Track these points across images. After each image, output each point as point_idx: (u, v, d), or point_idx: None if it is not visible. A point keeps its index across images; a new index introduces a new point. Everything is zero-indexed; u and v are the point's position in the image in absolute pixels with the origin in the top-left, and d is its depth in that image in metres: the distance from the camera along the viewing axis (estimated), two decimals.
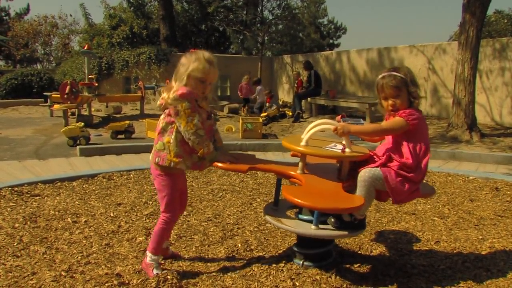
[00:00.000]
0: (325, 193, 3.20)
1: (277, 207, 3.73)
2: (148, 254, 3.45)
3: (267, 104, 16.57)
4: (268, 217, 3.58)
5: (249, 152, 9.55)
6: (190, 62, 3.31)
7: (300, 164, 3.51)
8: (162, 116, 3.39)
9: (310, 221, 3.40)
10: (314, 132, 3.46)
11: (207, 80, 3.35)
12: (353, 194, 3.24)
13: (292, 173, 3.51)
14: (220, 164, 3.53)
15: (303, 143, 3.43)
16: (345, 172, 3.46)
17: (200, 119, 3.30)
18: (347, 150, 3.33)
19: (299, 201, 3.05)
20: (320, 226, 3.34)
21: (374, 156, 3.43)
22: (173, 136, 3.30)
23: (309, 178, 3.41)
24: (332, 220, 3.38)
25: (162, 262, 3.65)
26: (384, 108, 3.43)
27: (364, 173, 3.25)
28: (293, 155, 3.89)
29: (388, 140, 3.42)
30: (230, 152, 3.73)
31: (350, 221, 3.38)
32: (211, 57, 3.38)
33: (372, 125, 3.44)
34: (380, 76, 3.46)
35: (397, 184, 3.22)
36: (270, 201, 4.57)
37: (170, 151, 3.31)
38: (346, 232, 3.40)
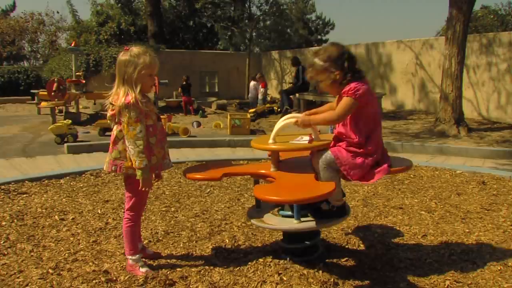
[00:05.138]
0: (297, 185, 3.23)
1: (260, 209, 3.74)
2: (128, 257, 3.45)
3: (262, 89, 16.54)
4: (253, 221, 3.60)
5: (237, 148, 9.58)
6: (135, 60, 3.24)
7: (272, 161, 3.54)
8: (114, 126, 3.35)
9: (292, 216, 3.41)
10: (279, 129, 3.48)
11: (154, 72, 3.34)
12: (325, 182, 3.24)
13: (263, 171, 3.58)
14: (192, 175, 3.58)
15: (270, 140, 3.46)
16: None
17: (151, 121, 3.32)
18: (314, 139, 3.37)
19: (269, 197, 3.09)
20: (303, 219, 3.35)
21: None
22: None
23: (281, 174, 3.44)
24: (311, 212, 3.40)
25: (146, 261, 3.63)
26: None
27: (319, 160, 3.28)
28: (270, 155, 3.92)
29: None
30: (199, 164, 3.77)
31: (328, 209, 3.40)
32: (149, 49, 3.37)
33: (327, 114, 3.39)
34: None
35: (348, 160, 3.22)
36: None
37: (126, 158, 3.29)
38: (329, 221, 3.42)
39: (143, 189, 3.27)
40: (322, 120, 3.38)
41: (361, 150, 3.24)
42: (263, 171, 3.60)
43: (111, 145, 3.35)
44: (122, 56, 3.30)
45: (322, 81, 3.35)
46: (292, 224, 3.34)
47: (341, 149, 3.27)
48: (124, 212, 3.50)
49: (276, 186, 3.30)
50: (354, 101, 3.19)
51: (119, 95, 3.25)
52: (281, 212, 3.54)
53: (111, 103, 3.31)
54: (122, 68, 3.28)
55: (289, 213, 3.46)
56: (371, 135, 3.27)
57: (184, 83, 15.81)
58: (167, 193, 5.69)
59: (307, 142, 3.41)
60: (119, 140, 3.31)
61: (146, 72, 3.27)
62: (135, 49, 3.31)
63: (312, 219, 3.40)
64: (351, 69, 3.28)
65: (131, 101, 3.18)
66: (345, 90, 3.22)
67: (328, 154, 3.27)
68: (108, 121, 3.40)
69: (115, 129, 3.33)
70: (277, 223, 3.47)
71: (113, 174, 5.95)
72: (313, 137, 3.43)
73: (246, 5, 25.38)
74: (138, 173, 3.22)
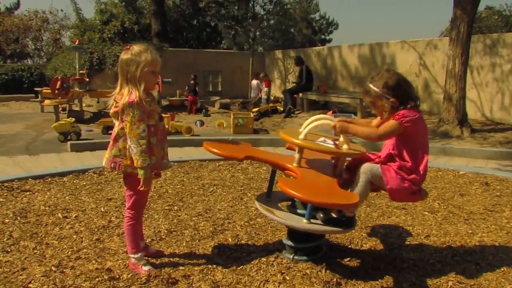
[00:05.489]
0: (321, 187, 3.21)
1: (270, 199, 3.73)
2: (130, 255, 3.46)
3: (266, 89, 16.53)
4: (259, 206, 3.58)
5: None
6: (137, 58, 3.25)
7: (297, 157, 3.52)
8: (117, 123, 3.35)
9: (302, 215, 3.41)
10: (313, 127, 3.47)
11: (156, 70, 3.35)
12: (348, 191, 3.24)
13: (289, 165, 3.52)
14: (215, 150, 3.54)
15: (301, 136, 3.44)
16: (341, 168, 3.47)
17: (153, 121, 3.32)
18: (345, 147, 3.34)
19: (296, 193, 3.01)
20: (312, 220, 3.34)
21: (371, 156, 3.45)
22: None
23: (305, 172, 3.42)
24: (321, 215, 3.39)
25: (148, 259, 3.63)
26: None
27: (365, 167, 3.29)
28: (288, 148, 3.90)
29: (390, 140, 3.42)
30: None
31: (337, 218, 3.40)
32: (150, 47, 3.38)
33: (369, 129, 3.41)
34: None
35: (396, 182, 3.24)
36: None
37: (126, 156, 3.30)
38: (339, 228, 3.41)
39: (142, 188, 3.27)
40: (361, 133, 3.38)
41: (412, 176, 3.26)
42: (286, 164, 3.55)
43: (111, 142, 3.36)
44: (124, 55, 3.31)
45: (378, 107, 3.38)
46: (301, 223, 3.34)
47: (391, 169, 3.28)
48: (125, 210, 3.50)
49: (302, 183, 3.25)
50: (399, 127, 3.23)
51: (123, 94, 3.25)
52: (292, 209, 3.53)
53: (114, 100, 3.31)
54: (125, 67, 3.28)
55: (299, 211, 3.46)
56: (421, 163, 3.31)
57: (192, 82, 15.79)
58: (170, 191, 5.69)
59: (330, 145, 3.38)
60: (120, 137, 3.31)
61: (148, 69, 3.27)
62: (136, 48, 3.31)
63: (320, 222, 3.39)
64: (407, 97, 3.31)
65: (135, 100, 3.18)
66: (395, 114, 3.26)
67: (376, 167, 3.29)
68: (112, 117, 3.40)
69: (117, 127, 3.34)
70: (286, 218, 3.45)
71: (115, 172, 5.98)
72: (337, 143, 3.41)
73: (250, 4, 25.32)
74: (140, 172, 3.23)
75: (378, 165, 3.31)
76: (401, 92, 3.29)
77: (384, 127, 3.30)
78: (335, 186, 3.24)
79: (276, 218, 3.47)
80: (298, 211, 3.51)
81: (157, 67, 3.34)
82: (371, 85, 3.35)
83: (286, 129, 3.71)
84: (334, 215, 3.41)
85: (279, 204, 3.70)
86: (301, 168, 3.48)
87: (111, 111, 3.35)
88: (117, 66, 3.39)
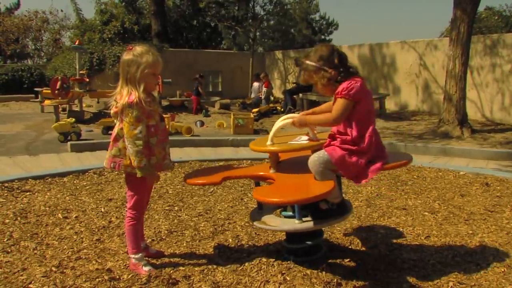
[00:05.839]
0: (296, 186, 3.24)
1: (262, 210, 3.74)
2: (131, 256, 3.45)
3: (265, 89, 16.52)
4: (255, 223, 3.60)
5: (240, 148, 9.58)
6: (138, 59, 3.26)
7: (271, 162, 3.56)
8: (117, 123, 3.35)
9: (294, 217, 3.41)
10: (276, 130, 3.51)
11: (157, 72, 3.35)
12: (323, 181, 3.22)
13: (262, 173, 3.59)
14: (193, 180, 3.61)
15: (268, 142, 3.48)
16: None
17: (153, 121, 3.33)
18: (304, 138, 3.42)
19: (270, 199, 3.11)
20: (304, 219, 3.35)
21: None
22: None
23: (280, 176, 3.45)
24: (310, 212, 3.40)
25: (149, 260, 3.63)
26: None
27: (312, 160, 3.25)
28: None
29: None
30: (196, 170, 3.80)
31: (328, 208, 3.40)
32: (152, 48, 3.38)
33: (323, 116, 3.38)
34: None
35: (343, 158, 3.19)
36: None
37: (125, 156, 3.31)
38: (330, 220, 3.42)
39: (152, 184, 3.34)
40: (318, 122, 3.38)
41: (355, 147, 3.21)
42: (262, 173, 3.61)
43: (111, 142, 3.37)
44: (125, 56, 3.32)
45: (317, 82, 3.34)
46: (294, 224, 3.35)
47: (335, 147, 3.24)
48: (126, 210, 3.50)
49: (275, 187, 3.31)
50: (348, 102, 3.19)
51: (123, 94, 3.26)
52: (283, 213, 3.54)
53: (115, 100, 3.32)
54: (125, 68, 3.29)
55: (291, 213, 3.47)
56: (365, 132, 3.24)
57: (196, 81, 15.84)
58: (170, 192, 5.69)
59: (304, 142, 3.42)
60: (120, 137, 3.32)
61: (149, 71, 3.27)
62: (138, 48, 3.32)
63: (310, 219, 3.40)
64: (343, 65, 3.28)
65: (135, 100, 3.19)
66: (338, 91, 3.21)
67: (322, 153, 3.25)
68: (113, 117, 3.41)
69: (117, 127, 3.35)
70: (279, 224, 3.47)
71: (115, 172, 5.98)
72: (311, 136, 3.44)
73: (250, 5, 25.35)
74: (138, 172, 3.25)
75: (323, 150, 3.27)
76: (336, 61, 3.26)
77: (335, 108, 3.24)
78: (311, 180, 3.25)
79: (270, 227, 3.50)
80: (290, 213, 3.51)
81: (158, 69, 3.35)
82: (307, 61, 3.34)
83: (254, 141, 3.74)
84: (323, 206, 3.40)
85: (273, 213, 3.69)
86: (277, 173, 3.51)
87: (112, 111, 3.36)
88: (118, 66, 3.40)
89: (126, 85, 3.29)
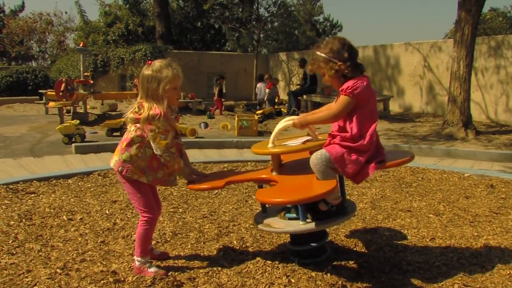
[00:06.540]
0: (298, 186, 3.25)
1: (266, 213, 3.74)
2: (136, 258, 3.43)
3: (267, 90, 16.54)
4: (260, 226, 3.60)
5: (245, 150, 9.57)
6: (158, 75, 3.26)
7: (273, 165, 3.56)
8: (132, 128, 3.35)
9: (298, 219, 3.41)
10: (277, 132, 3.52)
11: (178, 85, 3.36)
12: (325, 180, 3.22)
13: (265, 176, 3.59)
14: (196, 186, 3.60)
15: (270, 144, 3.49)
16: None
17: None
18: (302, 140, 3.44)
19: (274, 200, 3.13)
20: (308, 220, 3.35)
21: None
22: (142, 151, 3.31)
23: (283, 177, 3.46)
24: (310, 213, 3.40)
25: (153, 261, 3.63)
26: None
27: (313, 159, 3.25)
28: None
29: None
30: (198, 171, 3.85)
31: (328, 209, 3.39)
32: (172, 62, 3.38)
33: (323, 113, 3.40)
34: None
35: (342, 156, 3.19)
36: None
37: (135, 164, 3.32)
38: (331, 221, 3.42)
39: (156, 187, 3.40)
40: (318, 119, 3.39)
41: (355, 144, 3.21)
42: (264, 176, 3.61)
43: (124, 146, 3.34)
44: (145, 71, 3.32)
45: (325, 73, 3.35)
46: (298, 226, 3.34)
47: (335, 145, 3.25)
48: (140, 214, 3.46)
49: (278, 188, 3.32)
50: (351, 100, 3.20)
51: (144, 107, 3.27)
52: (287, 215, 3.54)
53: (138, 107, 3.32)
54: (145, 84, 3.30)
55: (295, 215, 3.47)
56: (366, 131, 3.24)
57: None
58: (175, 194, 5.69)
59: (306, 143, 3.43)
60: (134, 143, 3.31)
61: (170, 86, 3.29)
62: (157, 63, 3.31)
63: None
64: (352, 60, 3.28)
65: (161, 113, 3.21)
66: (343, 87, 3.23)
67: (323, 152, 3.25)
68: (128, 120, 3.40)
69: (133, 132, 3.33)
70: (283, 226, 3.47)
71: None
72: (312, 137, 3.45)
73: (254, 7, 25.36)
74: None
75: (323, 149, 3.28)
76: (346, 55, 3.26)
77: (337, 105, 3.27)
78: (313, 180, 3.25)
79: (275, 230, 3.51)
80: (294, 215, 3.51)
81: (178, 83, 3.35)
82: (317, 52, 3.35)
83: (256, 144, 3.75)
84: (322, 208, 3.40)
85: (277, 215, 3.69)
86: (280, 175, 3.52)
87: (130, 115, 3.35)
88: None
89: (146, 100, 3.30)
